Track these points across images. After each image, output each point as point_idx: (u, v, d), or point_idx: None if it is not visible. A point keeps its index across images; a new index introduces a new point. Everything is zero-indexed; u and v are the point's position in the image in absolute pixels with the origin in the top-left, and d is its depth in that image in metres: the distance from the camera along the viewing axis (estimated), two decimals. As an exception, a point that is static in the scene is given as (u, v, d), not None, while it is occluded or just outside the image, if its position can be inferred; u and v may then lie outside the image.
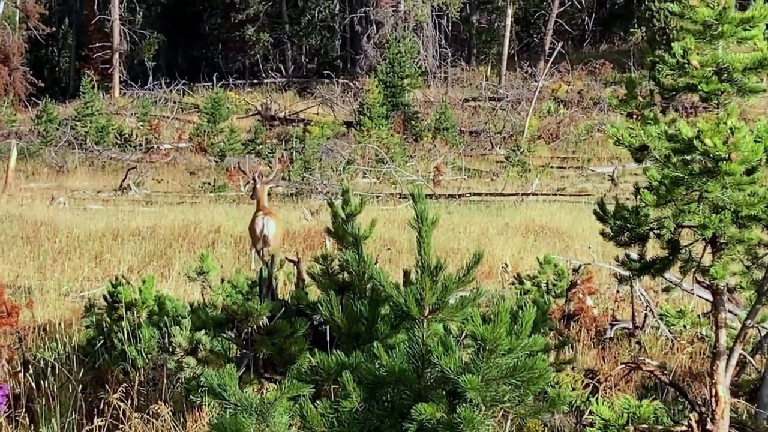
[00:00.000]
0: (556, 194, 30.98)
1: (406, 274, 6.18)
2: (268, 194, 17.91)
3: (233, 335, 6.95)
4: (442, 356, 4.30)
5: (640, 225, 6.28)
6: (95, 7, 63.14)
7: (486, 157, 43.48)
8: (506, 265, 14.95)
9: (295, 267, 8.28)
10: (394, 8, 58.31)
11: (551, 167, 39.21)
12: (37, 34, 52.53)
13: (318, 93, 56.58)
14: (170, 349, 7.89)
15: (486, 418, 4.27)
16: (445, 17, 63.22)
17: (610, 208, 6.52)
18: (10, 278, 15.34)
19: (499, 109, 50.98)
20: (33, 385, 7.90)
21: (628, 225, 6.35)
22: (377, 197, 29.74)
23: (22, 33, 53.45)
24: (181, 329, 7.88)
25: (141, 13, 70.19)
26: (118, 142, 45.23)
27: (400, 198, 29.88)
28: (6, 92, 49.22)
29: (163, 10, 74.38)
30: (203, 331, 7.57)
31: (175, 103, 56.43)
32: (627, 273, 6.69)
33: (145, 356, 8.39)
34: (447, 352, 4.33)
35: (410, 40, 54.58)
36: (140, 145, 45.09)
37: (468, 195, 30.92)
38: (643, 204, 6.09)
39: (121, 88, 62.14)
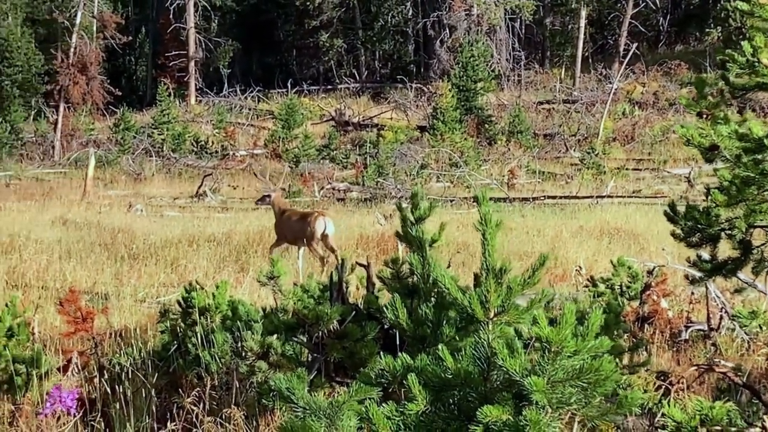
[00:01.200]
0: (631, 196, 30.71)
1: (477, 277, 6.15)
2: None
3: (304, 339, 6.97)
4: (507, 358, 4.29)
5: (711, 225, 6.22)
6: (171, 16, 63.84)
7: (560, 159, 43.26)
8: (580, 267, 14.84)
9: (366, 271, 8.31)
10: (467, 12, 58.21)
11: (626, 169, 38.89)
12: (114, 44, 53.08)
13: (391, 98, 56.81)
14: (242, 354, 7.95)
15: (552, 420, 4.25)
16: (519, 20, 63.00)
17: (681, 209, 6.47)
18: (88, 284, 15.53)
19: (573, 112, 50.71)
20: (108, 389, 7.99)
21: (699, 225, 6.30)
22: (451, 201, 29.77)
23: (100, 42, 54.07)
24: (253, 334, 7.94)
25: (216, 21, 70.76)
26: (195, 149, 45.75)
27: (473, 202, 29.82)
28: (84, 101, 49.84)
29: (237, 18, 74.96)
30: (275, 336, 7.61)
31: (250, 110, 56.97)
32: (699, 274, 6.63)
33: (218, 361, 8.45)
34: (512, 354, 4.32)
35: (483, 43, 54.51)
36: (216, 152, 45.56)
37: (542, 198, 30.81)
38: (714, 204, 6.03)
39: (196, 96, 62.86)
